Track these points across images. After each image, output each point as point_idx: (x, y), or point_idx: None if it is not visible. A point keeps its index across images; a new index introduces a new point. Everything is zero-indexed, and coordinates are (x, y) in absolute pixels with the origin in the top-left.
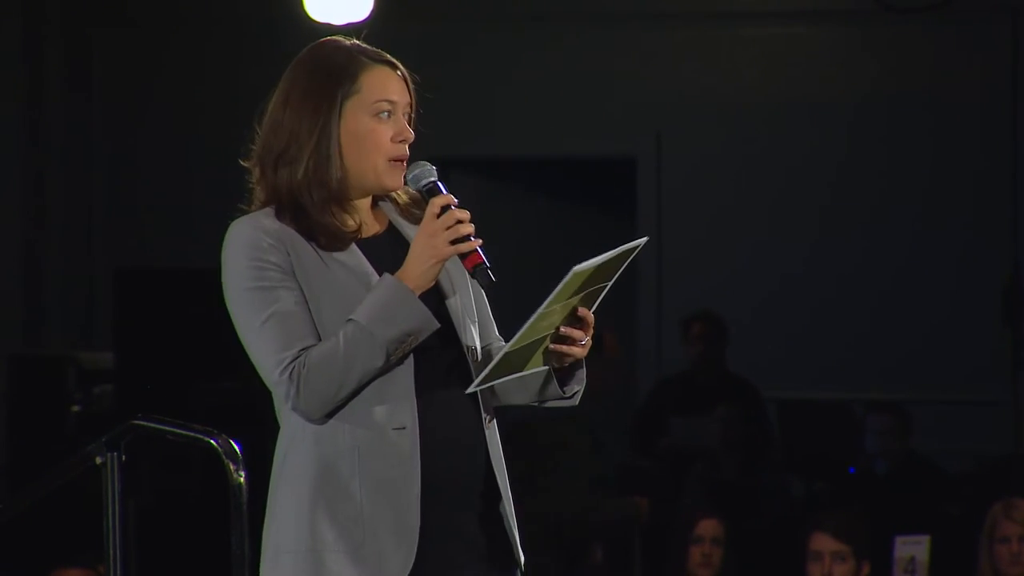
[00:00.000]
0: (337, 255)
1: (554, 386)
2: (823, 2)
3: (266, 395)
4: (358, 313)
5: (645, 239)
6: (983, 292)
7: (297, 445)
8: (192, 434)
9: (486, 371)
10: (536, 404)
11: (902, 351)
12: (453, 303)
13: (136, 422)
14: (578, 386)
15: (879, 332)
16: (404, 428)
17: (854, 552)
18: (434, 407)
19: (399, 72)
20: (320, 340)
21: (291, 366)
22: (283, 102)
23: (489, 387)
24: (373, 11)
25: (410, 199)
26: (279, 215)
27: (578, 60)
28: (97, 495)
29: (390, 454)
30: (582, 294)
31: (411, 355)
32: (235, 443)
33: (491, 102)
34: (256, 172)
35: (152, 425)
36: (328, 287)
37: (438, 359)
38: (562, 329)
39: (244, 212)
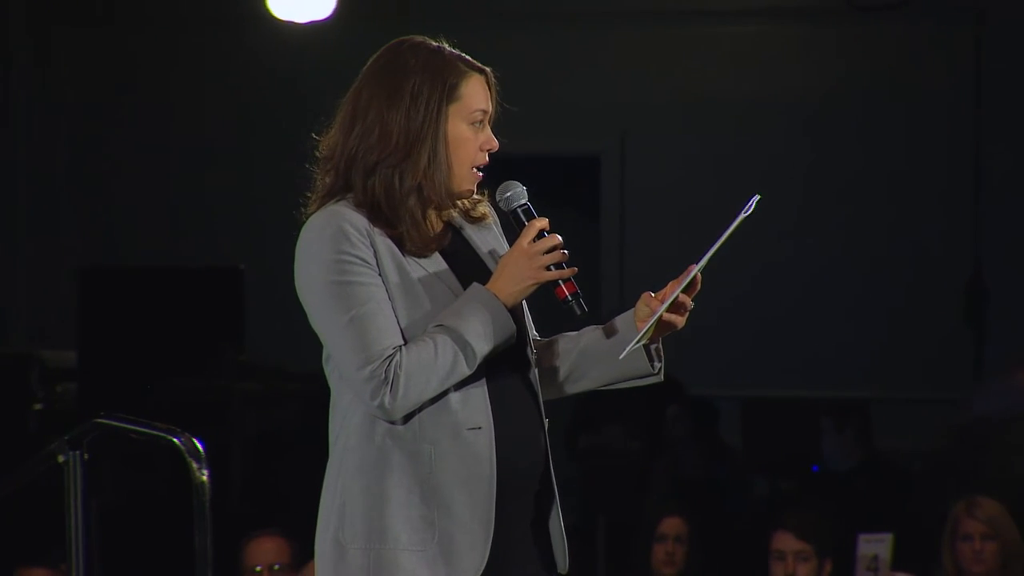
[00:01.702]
0: (426, 266)
1: (643, 361)
2: (789, 0)
3: (229, 394)
4: (454, 320)
5: (757, 197)
6: (946, 291)
7: (367, 440)
8: (155, 432)
9: (643, 331)
10: (607, 387)
11: (865, 350)
12: (516, 309)
13: (99, 420)
14: (660, 362)
15: (843, 331)
16: (480, 428)
17: (816, 551)
18: (504, 408)
19: (489, 80)
20: (404, 339)
21: (384, 365)
22: (385, 104)
23: (551, 383)
24: (336, 9)
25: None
26: (372, 219)
27: (542, 58)
28: (60, 493)
29: (466, 454)
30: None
31: None
32: (198, 441)
33: None
34: (338, 165)
35: (115, 423)
36: (411, 286)
37: (505, 362)
38: (680, 296)
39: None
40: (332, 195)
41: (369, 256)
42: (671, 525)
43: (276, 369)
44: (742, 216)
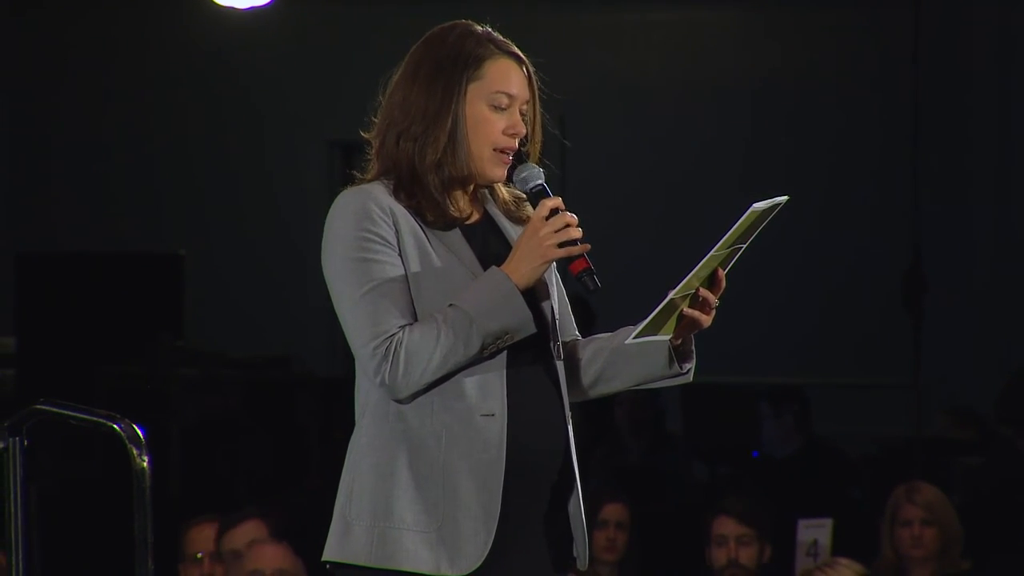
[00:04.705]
0: (442, 237)
1: (671, 360)
2: None
3: (169, 380)
4: (462, 300)
5: (786, 198)
6: (884, 276)
7: (381, 419)
8: (95, 419)
9: (650, 317)
10: (639, 386)
11: (804, 336)
12: (546, 301)
13: (38, 407)
14: (691, 362)
15: (782, 317)
16: (493, 415)
17: (757, 535)
18: (522, 397)
19: (524, 68)
20: (416, 319)
21: (386, 343)
22: (411, 78)
23: (577, 382)
24: None
25: (510, 195)
26: (395, 190)
27: None
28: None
29: (477, 440)
30: (730, 250)
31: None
32: (138, 428)
33: None
34: (376, 144)
35: (55, 410)
36: (430, 267)
37: (527, 351)
38: (701, 291)
39: (355, 181)
40: (378, 176)
41: (390, 235)
42: (612, 511)
43: (216, 355)
44: (757, 208)
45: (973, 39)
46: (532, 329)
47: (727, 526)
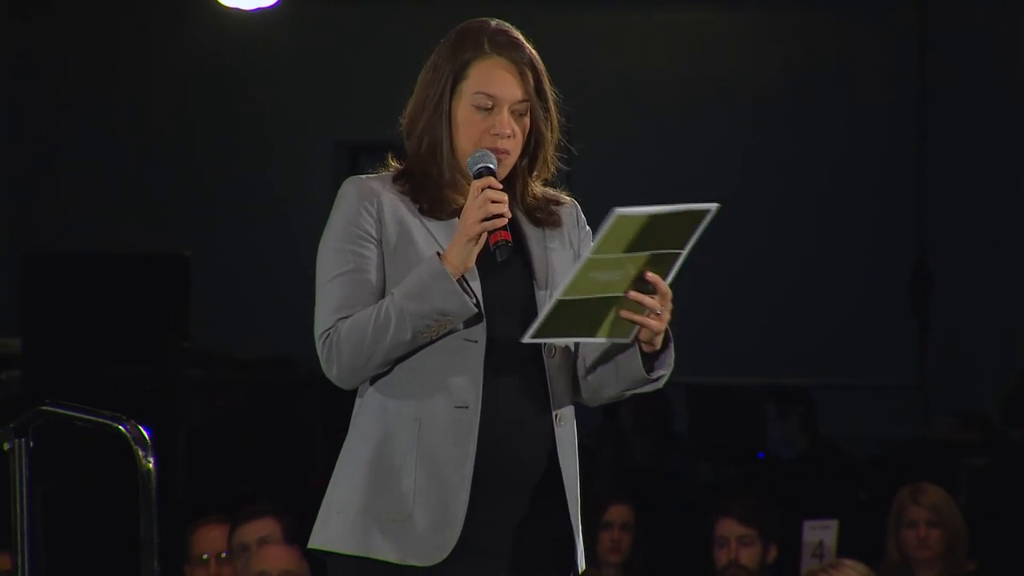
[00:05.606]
0: (435, 231)
1: (637, 365)
2: None
3: (175, 381)
4: (398, 287)
5: (716, 205)
6: (890, 278)
7: (366, 409)
8: (101, 420)
9: (540, 319)
10: (628, 392)
11: (810, 336)
12: (543, 295)
13: (44, 408)
14: (664, 370)
15: (787, 317)
16: (466, 407)
17: (760, 536)
18: (502, 392)
19: (521, 67)
20: None
21: (329, 331)
22: (422, 76)
23: (580, 390)
24: None
25: (544, 196)
26: (396, 177)
27: None
28: (5, 481)
29: (448, 432)
30: (646, 255)
31: (485, 337)
32: (144, 429)
33: (402, 85)
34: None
35: (60, 411)
36: (409, 256)
37: (517, 347)
38: (630, 294)
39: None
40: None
41: (370, 226)
42: (617, 512)
43: (222, 356)
44: (621, 212)
45: (979, 40)
46: (471, 310)
47: (729, 527)
